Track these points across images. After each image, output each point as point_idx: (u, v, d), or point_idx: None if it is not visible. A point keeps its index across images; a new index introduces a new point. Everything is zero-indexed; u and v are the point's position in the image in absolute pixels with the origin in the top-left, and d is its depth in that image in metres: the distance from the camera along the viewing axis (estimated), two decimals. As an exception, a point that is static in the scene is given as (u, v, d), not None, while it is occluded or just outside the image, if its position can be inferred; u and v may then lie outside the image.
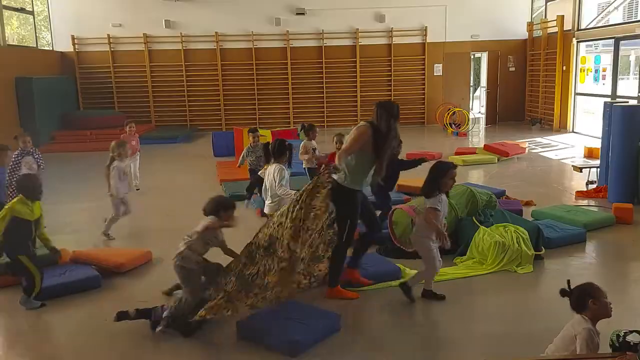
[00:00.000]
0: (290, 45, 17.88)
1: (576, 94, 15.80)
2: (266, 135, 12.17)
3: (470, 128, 17.19)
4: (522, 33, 18.31)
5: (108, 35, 17.54)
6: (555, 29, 16.05)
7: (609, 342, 3.35)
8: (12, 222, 4.73)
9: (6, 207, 4.90)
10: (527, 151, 12.44)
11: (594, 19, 15.32)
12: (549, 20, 16.84)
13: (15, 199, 4.99)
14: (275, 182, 5.44)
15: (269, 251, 4.34)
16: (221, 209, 4.24)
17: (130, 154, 7.95)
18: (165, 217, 7.94)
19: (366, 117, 18.52)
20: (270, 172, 5.52)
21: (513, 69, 18.56)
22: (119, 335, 4.36)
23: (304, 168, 8.21)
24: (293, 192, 5.14)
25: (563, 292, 3.19)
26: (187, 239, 4.32)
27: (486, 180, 9.51)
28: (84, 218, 8.03)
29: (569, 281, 3.23)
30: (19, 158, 7.39)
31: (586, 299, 3.04)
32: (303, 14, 17.71)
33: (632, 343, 3.17)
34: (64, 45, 17.66)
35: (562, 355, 2.97)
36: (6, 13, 15.51)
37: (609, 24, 14.72)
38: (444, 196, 4.56)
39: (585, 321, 3.05)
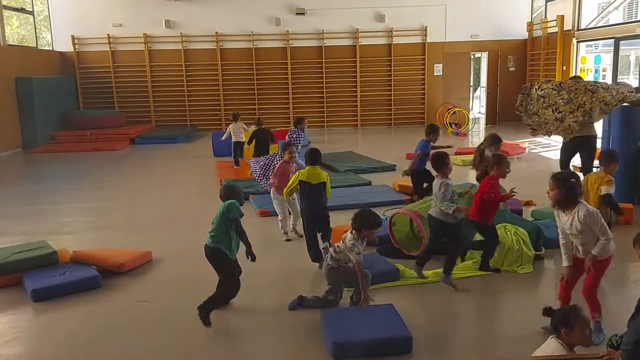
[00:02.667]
0: (290, 45, 17.88)
1: (576, 94, 15.78)
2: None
3: (470, 128, 17.20)
4: (522, 33, 18.30)
5: (108, 35, 17.54)
6: (555, 29, 16.05)
7: (608, 343, 3.36)
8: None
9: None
10: (527, 151, 12.44)
11: (594, 19, 15.31)
12: (549, 20, 16.84)
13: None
14: (438, 197, 5.10)
15: None
16: (366, 226, 4.23)
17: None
18: (165, 217, 7.95)
19: (366, 117, 18.56)
20: (436, 185, 5.17)
21: (513, 69, 18.56)
22: (119, 335, 4.36)
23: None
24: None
25: (545, 312, 3.14)
26: (336, 250, 4.41)
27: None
28: (84, 218, 8.03)
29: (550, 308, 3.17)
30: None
31: (559, 327, 2.99)
32: (303, 14, 17.71)
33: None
34: (64, 45, 17.66)
35: (558, 356, 2.96)
36: (6, 13, 15.51)
37: (609, 24, 14.72)
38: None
39: (560, 350, 2.97)
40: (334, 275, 4.51)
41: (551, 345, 3.00)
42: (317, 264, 5.54)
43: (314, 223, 5.63)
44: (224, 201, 4.55)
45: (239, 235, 4.49)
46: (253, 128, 11.13)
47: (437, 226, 5.13)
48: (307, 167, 5.64)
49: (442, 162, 5.12)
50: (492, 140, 6.60)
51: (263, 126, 10.96)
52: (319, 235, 5.68)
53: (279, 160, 7.05)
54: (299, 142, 9.36)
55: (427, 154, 7.36)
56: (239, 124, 11.66)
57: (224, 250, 4.46)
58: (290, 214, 6.72)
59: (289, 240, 6.57)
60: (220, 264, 4.53)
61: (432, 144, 7.66)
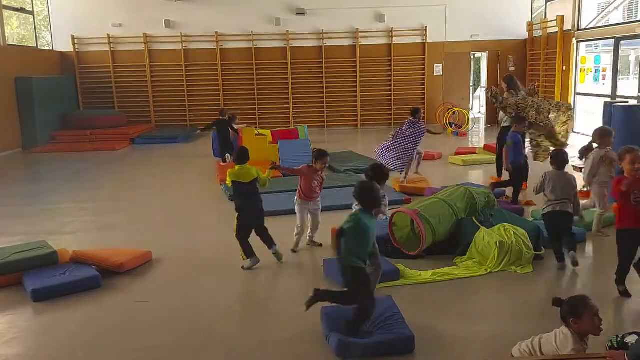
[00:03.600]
0: (290, 45, 17.88)
1: (576, 94, 15.79)
2: (266, 135, 12.21)
3: (470, 128, 17.20)
4: (522, 33, 18.31)
5: (108, 35, 17.54)
6: (555, 29, 16.05)
7: (608, 344, 3.35)
8: None
9: None
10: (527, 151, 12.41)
11: (594, 19, 15.31)
12: (549, 20, 16.83)
13: None
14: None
15: None
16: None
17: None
18: (165, 217, 7.95)
19: (366, 117, 18.56)
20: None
21: (513, 69, 18.55)
22: (119, 335, 4.36)
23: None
24: None
25: (555, 302, 3.15)
26: None
27: (485, 180, 9.50)
28: (84, 218, 8.03)
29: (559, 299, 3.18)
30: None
31: (568, 317, 3.00)
32: (303, 14, 17.71)
33: (629, 344, 3.17)
34: (64, 45, 17.67)
35: (558, 356, 2.96)
36: (6, 13, 15.51)
37: (609, 24, 14.72)
38: None
39: (572, 340, 2.99)
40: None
41: (563, 332, 3.00)
42: (250, 262, 5.58)
43: (250, 222, 5.64)
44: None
45: None
46: (243, 127, 12.25)
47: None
48: (236, 167, 5.59)
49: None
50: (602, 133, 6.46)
51: (225, 117, 11.95)
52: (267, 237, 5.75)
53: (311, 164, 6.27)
54: (420, 136, 9.04)
55: (517, 143, 7.53)
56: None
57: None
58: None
59: (294, 252, 6.10)
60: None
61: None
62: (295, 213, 6.19)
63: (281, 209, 7.56)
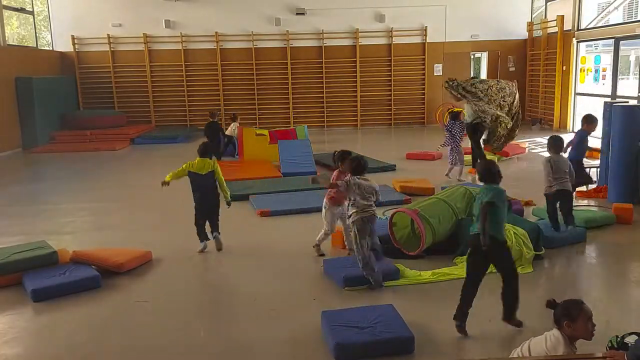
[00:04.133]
0: (290, 45, 17.88)
1: (576, 94, 15.80)
2: (265, 135, 12.21)
3: (470, 128, 17.17)
4: (522, 33, 18.31)
5: (108, 35, 17.54)
6: (555, 29, 16.05)
7: (608, 344, 3.35)
8: None
9: None
10: (527, 151, 12.43)
11: (594, 19, 15.31)
12: (549, 20, 16.84)
13: None
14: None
15: None
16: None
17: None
18: (165, 217, 7.95)
19: (366, 117, 18.56)
20: None
21: (513, 69, 18.55)
22: (118, 335, 4.36)
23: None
24: None
25: (549, 304, 3.14)
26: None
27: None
28: (84, 218, 8.03)
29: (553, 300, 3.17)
30: None
31: (562, 320, 2.99)
32: (303, 14, 17.71)
33: (629, 345, 3.16)
34: (64, 45, 17.67)
35: (559, 356, 2.96)
36: (6, 13, 15.51)
37: (609, 24, 14.72)
38: None
39: (561, 342, 2.97)
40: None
41: (554, 335, 2.99)
42: (201, 245, 6.18)
43: (204, 211, 6.18)
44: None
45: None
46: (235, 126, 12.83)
47: None
48: (197, 160, 6.18)
49: None
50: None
51: (216, 119, 12.53)
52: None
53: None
54: (461, 134, 9.91)
55: (580, 142, 7.44)
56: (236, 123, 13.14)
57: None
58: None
59: (322, 255, 5.90)
60: None
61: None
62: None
63: (280, 209, 7.56)
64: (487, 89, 10.18)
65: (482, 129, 10.06)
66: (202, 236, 6.24)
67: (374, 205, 5.06)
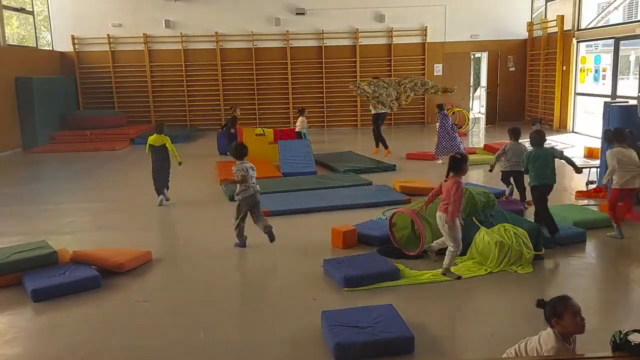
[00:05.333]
0: (290, 45, 17.88)
1: (576, 94, 15.80)
2: (266, 135, 12.22)
3: (470, 128, 17.20)
4: (522, 33, 18.31)
5: (108, 35, 17.54)
6: (555, 29, 16.05)
7: (610, 341, 3.35)
8: None
9: None
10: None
11: (594, 19, 15.31)
12: (549, 20, 16.84)
13: None
14: None
15: None
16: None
17: None
18: (165, 217, 7.95)
19: (366, 117, 18.53)
20: None
21: (513, 69, 18.55)
22: (118, 335, 4.36)
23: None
24: None
25: (538, 304, 3.16)
26: None
27: (485, 180, 9.51)
28: (84, 218, 8.03)
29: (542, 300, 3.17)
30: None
31: (551, 318, 3.00)
32: (303, 14, 17.71)
33: (632, 343, 3.16)
34: (64, 45, 17.66)
35: (559, 356, 2.96)
36: (6, 13, 15.51)
37: (609, 24, 14.72)
38: None
39: (553, 338, 2.98)
40: None
41: (547, 331, 3.01)
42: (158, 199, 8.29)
43: (159, 175, 8.44)
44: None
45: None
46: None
47: None
48: (154, 135, 8.33)
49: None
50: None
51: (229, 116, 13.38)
52: None
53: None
54: (448, 122, 11.46)
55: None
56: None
57: None
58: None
59: (459, 278, 5.24)
60: None
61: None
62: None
63: (280, 209, 7.56)
64: (388, 82, 12.59)
65: (383, 116, 12.99)
66: (160, 190, 8.42)
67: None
